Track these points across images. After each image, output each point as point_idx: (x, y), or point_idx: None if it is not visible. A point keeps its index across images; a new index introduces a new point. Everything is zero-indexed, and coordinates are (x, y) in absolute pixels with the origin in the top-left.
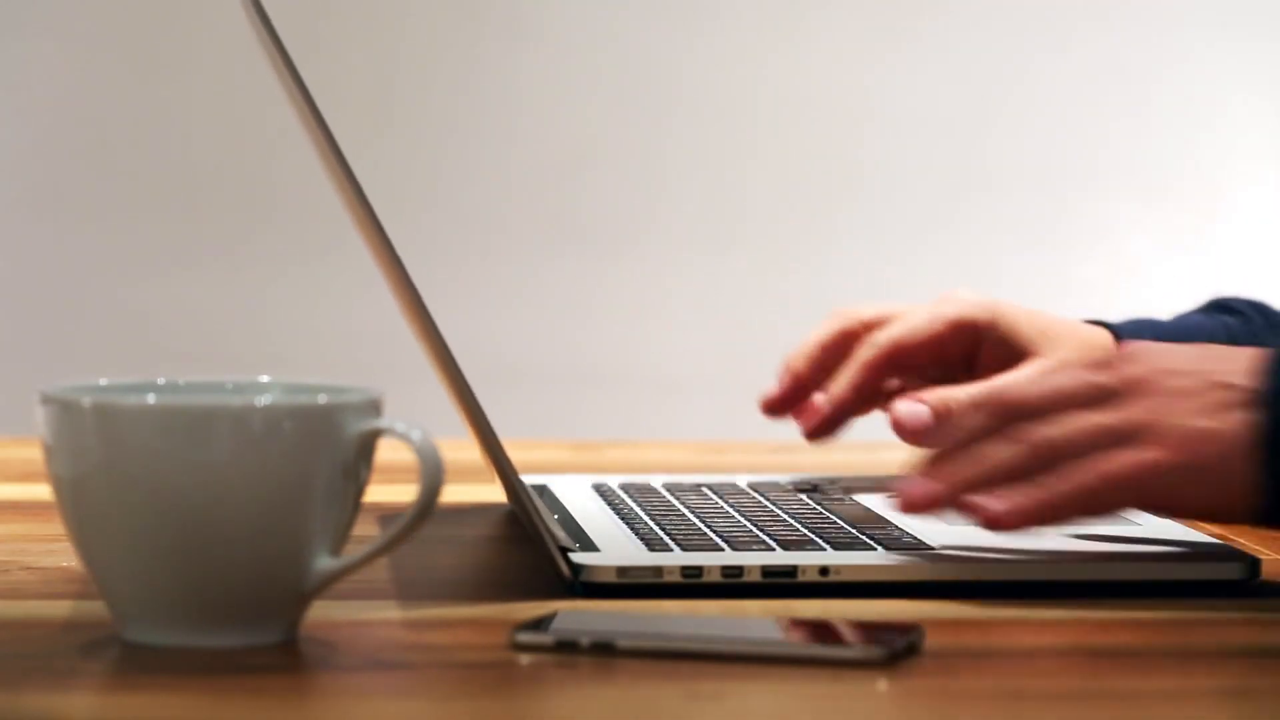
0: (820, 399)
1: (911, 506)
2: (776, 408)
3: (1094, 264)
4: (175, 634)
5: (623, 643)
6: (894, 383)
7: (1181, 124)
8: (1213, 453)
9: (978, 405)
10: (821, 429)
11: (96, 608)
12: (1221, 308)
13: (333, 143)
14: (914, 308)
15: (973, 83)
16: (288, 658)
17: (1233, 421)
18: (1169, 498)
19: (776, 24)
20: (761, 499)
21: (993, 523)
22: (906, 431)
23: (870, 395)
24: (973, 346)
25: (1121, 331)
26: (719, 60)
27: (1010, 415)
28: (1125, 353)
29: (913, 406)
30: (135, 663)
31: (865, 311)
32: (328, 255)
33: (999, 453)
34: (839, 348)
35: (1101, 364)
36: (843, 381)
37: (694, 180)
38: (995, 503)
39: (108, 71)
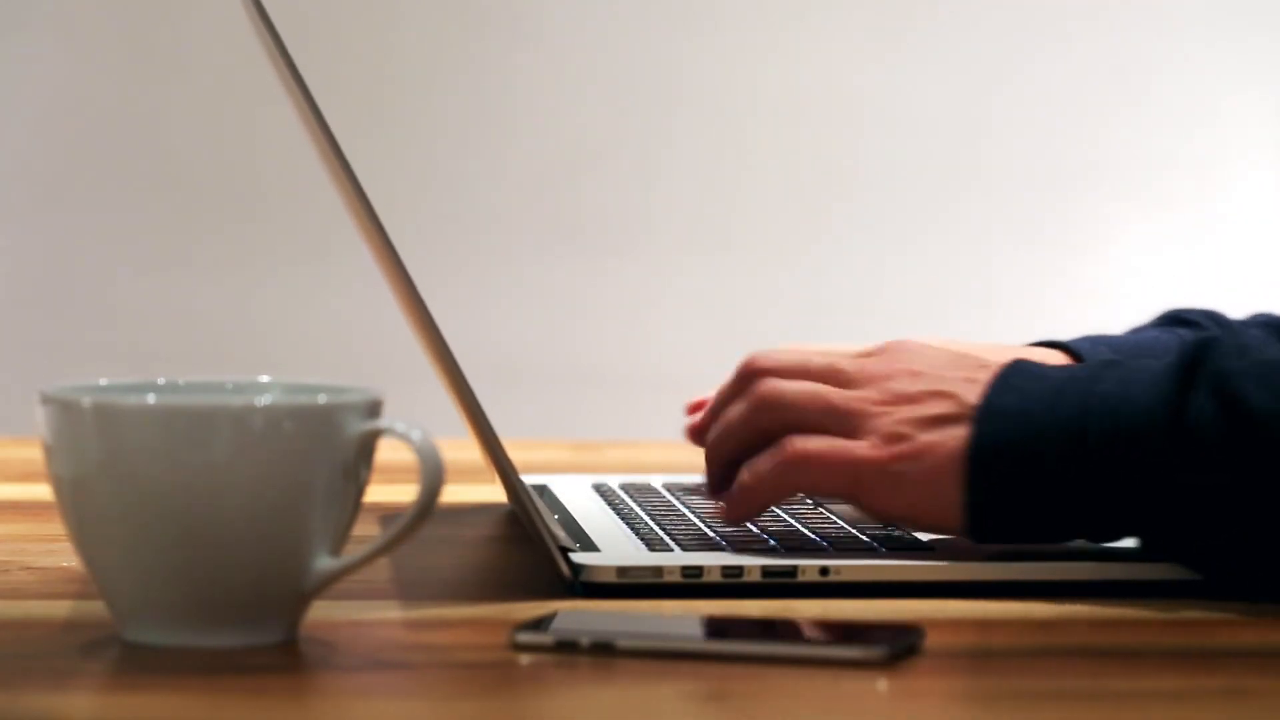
0: None
1: (721, 510)
2: (695, 434)
3: (1091, 264)
4: (175, 634)
5: (623, 643)
6: None
7: (1179, 123)
8: (916, 460)
9: (734, 373)
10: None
11: (96, 608)
12: (1177, 320)
13: (334, 142)
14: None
15: (969, 82)
16: (288, 658)
17: (945, 435)
18: (874, 500)
19: (774, 24)
20: None
21: (729, 521)
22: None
23: None
24: None
25: (1076, 348)
26: (718, 61)
27: (752, 378)
28: (885, 346)
29: None
30: (135, 663)
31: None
32: (328, 255)
33: (732, 411)
34: None
35: (861, 353)
36: None
37: (694, 180)
38: (719, 512)
39: (106, 71)
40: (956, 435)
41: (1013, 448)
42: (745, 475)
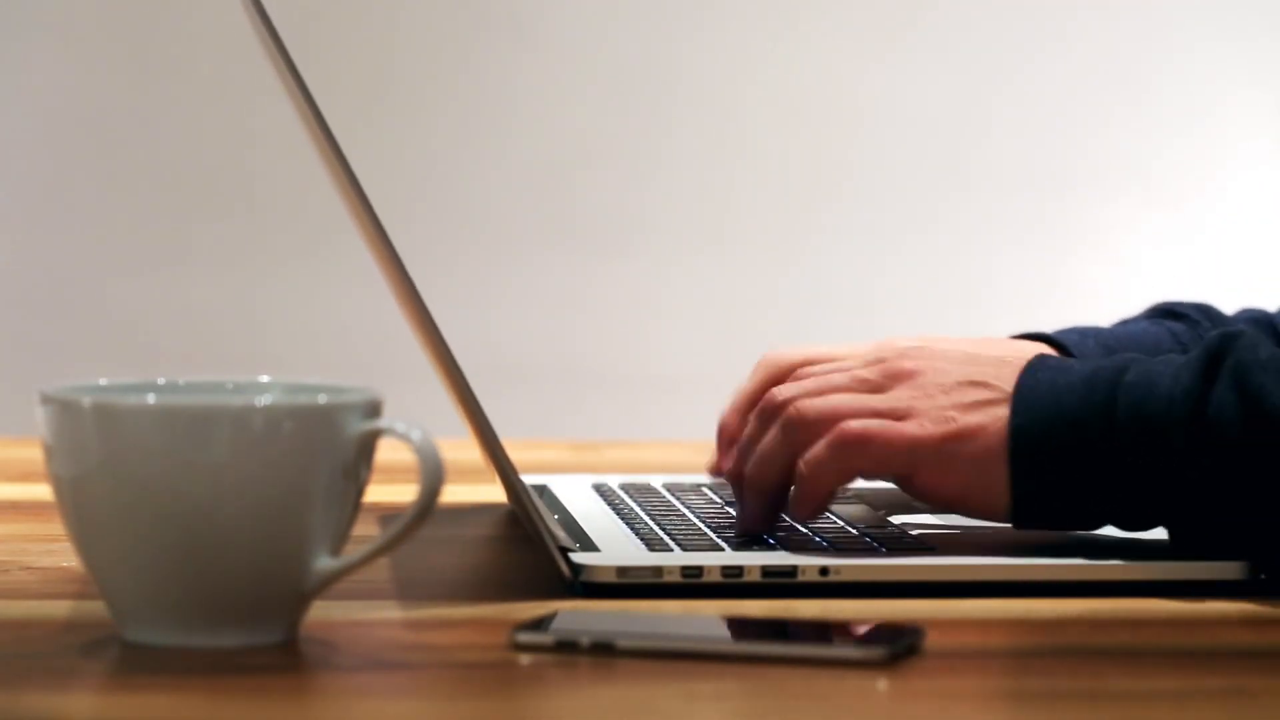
0: None
1: (747, 531)
2: (722, 472)
3: (1089, 262)
4: (175, 634)
5: (623, 643)
6: None
7: (1178, 122)
8: (967, 442)
9: (741, 411)
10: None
11: (96, 608)
12: (1168, 313)
13: (333, 142)
14: (847, 351)
15: (968, 81)
16: (288, 658)
17: (985, 418)
18: (928, 481)
19: (773, 24)
20: None
21: (803, 520)
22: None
23: None
24: None
25: (1063, 341)
26: (717, 60)
27: (778, 412)
28: (898, 349)
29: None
30: (135, 663)
31: (794, 356)
32: (328, 255)
33: (766, 442)
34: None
35: (872, 361)
36: None
37: (694, 179)
38: (796, 517)
39: (104, 71)
40: (999, 416)
41: (1049, 430)
42: (803, 468)
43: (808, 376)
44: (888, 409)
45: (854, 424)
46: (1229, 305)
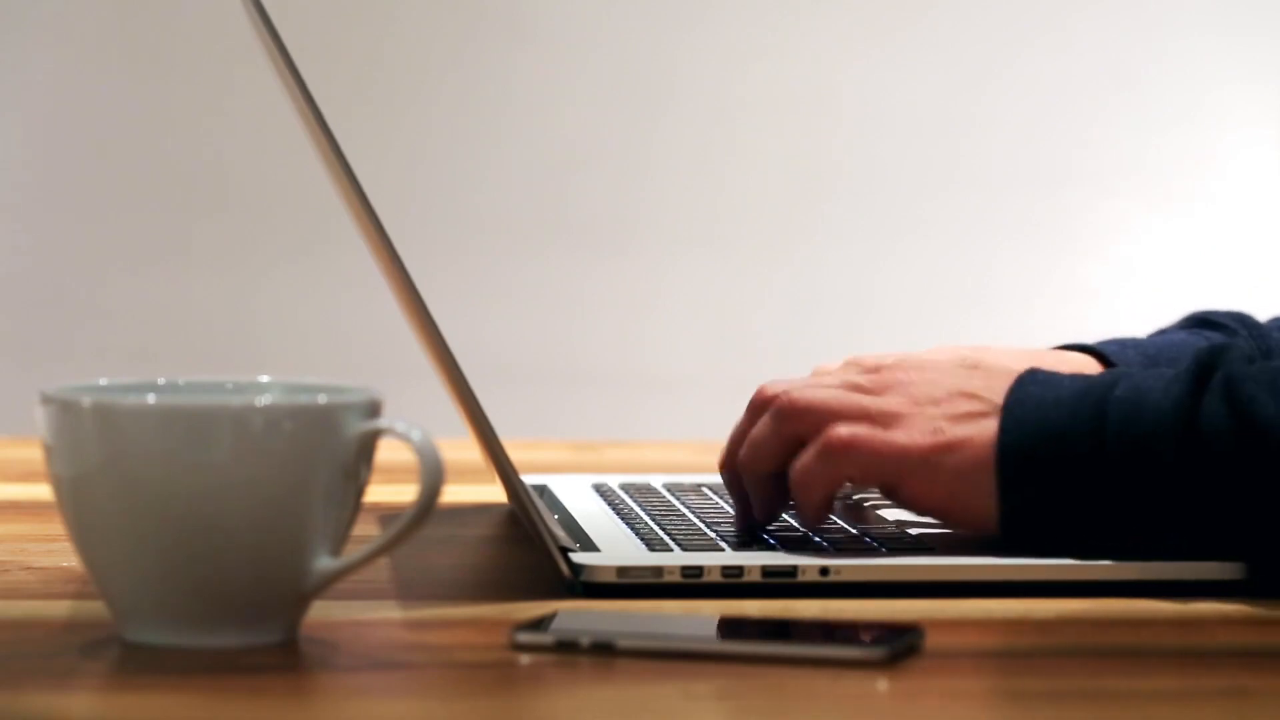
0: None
1: (751, 530)
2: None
3: (1087, 262)
4: (175, 634)
5: (623, 643)
6: None
7: (1178, 122)
8: (954, 454)
9: (746, 409)
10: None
11: (96, 608)
12: (1204, 322)
13: (333, 142)
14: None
15: (964, 80)
16: (288, 658)
17: (974, 430)
18: (914, 491)
19: (769, 22)
20: None
21: (807, 528)
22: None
23: None
24: None
25: (1106, 351)
26: (713, 59)
27: (767, 405)
28: (894, 360)
29: None
30: (135, 663)
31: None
32: (328, 255)
33: (757, 430)
34: None
35: (869, 369)
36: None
37: (693, 179)
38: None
39: (103, 70)
40: (988, 428)
41: (1038, 444)
42: (794, 473)
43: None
44: (877, 410)
45: (842, 430)
46: (1228, 304)
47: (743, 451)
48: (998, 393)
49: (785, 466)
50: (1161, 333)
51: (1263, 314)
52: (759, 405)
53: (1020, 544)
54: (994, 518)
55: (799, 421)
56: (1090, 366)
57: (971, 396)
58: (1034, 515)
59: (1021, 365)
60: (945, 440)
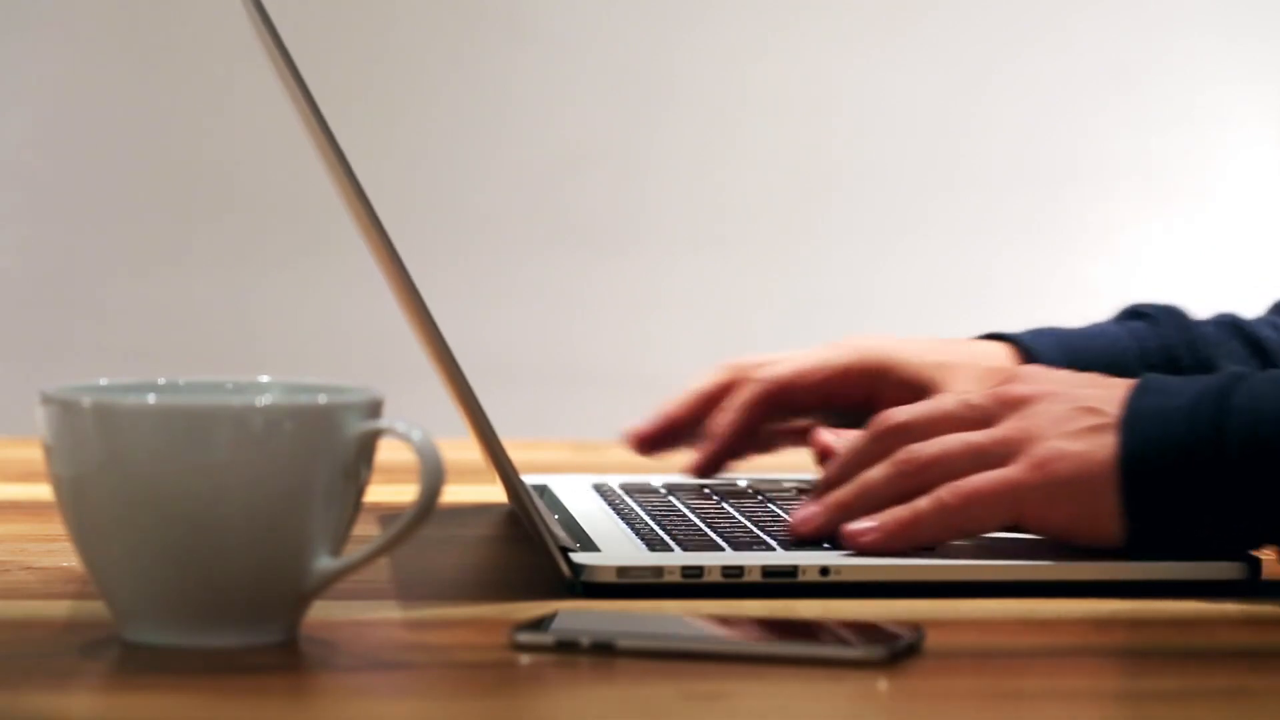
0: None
1: (795, 532)
2: (643, 444)
3: (1086, 261)
4: (175, 634)
5: (623, 643)
6: (798, 423)
7: (1177, 121)
8: (1074, 474)
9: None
10: (704, 466)
11: (96, 608)
12: (1133, 314)
13: (334, 143)
14: (804, 353)
15: (963, 79)
16: (288, 658)
17: (1096, 445)
18: (1037, 518)
19: (768, 22)
20: (761, 499)
21: (863, 549)
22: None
23: (751, 434)
24: (871, 391)
25: (1023, 341)
26: (712, 59)
27: (889, 438)
28: (1011, 375)
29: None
30: (135, 663)
31: (751, 361)
32: (328, 255)
33: (872, 474)
34: (718, 398)
35: (997, 383)
36: (721, 419)
37: (693, 179)
38: (864, 532)
39: (104, 71)
40: (1106, 444)
41: (1159, 454)
42: (905, 513)
43: (917, 404)
44: (993, 444)
45: (959, 487)
46: (1228, 303)
47: (851, 491)
48: (1116, 405)
49: None
50: (1090, 324)
51: (1260, 311)
52: (879, 437)
53: (1145, 553)
54: (1116, 532)
55: (916, 479)
56: (1005, 357)
57: (1090, 411)
58: (1160, 527)
59: (938, 355)
60: (1060, 466)
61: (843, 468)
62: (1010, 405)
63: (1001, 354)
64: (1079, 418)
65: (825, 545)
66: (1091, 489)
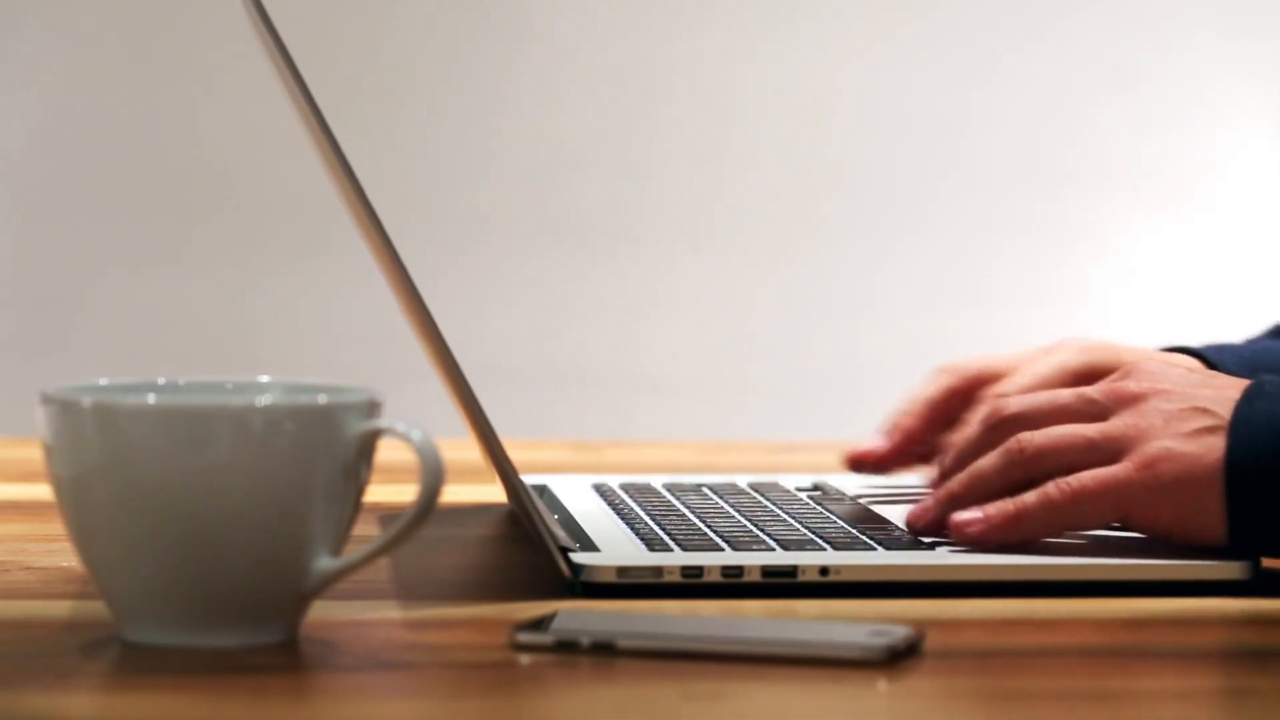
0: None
1: (911, 528)
2: (882, 463)
3: (1086, 262)
4: (175, 634)
5: (623, 643)
6: None
7: (1176, 121)
8: (1180, 475)
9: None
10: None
11: (96, 608)
12: None
13: (334, 143)
14: (1026, 358)
15: (963, 80)
16: (288, 658)
17: (1204, 447)
18: (1141, 518)
19: (768, 22)
20: (761, 499)
21: (968, 540)
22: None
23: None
24: None
25: (1208, 355)
26: (712, 59)
27: (1002, 427)
28: (1127, 370)
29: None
30: (135, 663)
31: (973, 366)
32: (327, 255)
33: (983, 464)
34: (948, 406)
35: (1105, 380)
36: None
37: (693, 179)
38: (970, 523)
39: (104, 70)
40: (1215, 446)
41: (1266, 459)
42: (1011, 506)
43: (1035, 395)
44: (1103, 439)
45: (1066, 484)
46: (1228, 303)
47: (963, 482)
48: (1228, 406)
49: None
50: (1255, 340)
51: (1262, 316)
52: (993, 426)
53: (1249, 556)
54: (1221, 533)
55: (1028, 469)
56: (1201, 369)
57: (1203, 411)
58: (1264, 531)
59: (1203, 373)
60: (1168, 466)
61: (956, 459)
62: (1124, 401)
63: (1198, 367)
64: (1190, 418)
65: (824, 545)
66: (1196, 491)
